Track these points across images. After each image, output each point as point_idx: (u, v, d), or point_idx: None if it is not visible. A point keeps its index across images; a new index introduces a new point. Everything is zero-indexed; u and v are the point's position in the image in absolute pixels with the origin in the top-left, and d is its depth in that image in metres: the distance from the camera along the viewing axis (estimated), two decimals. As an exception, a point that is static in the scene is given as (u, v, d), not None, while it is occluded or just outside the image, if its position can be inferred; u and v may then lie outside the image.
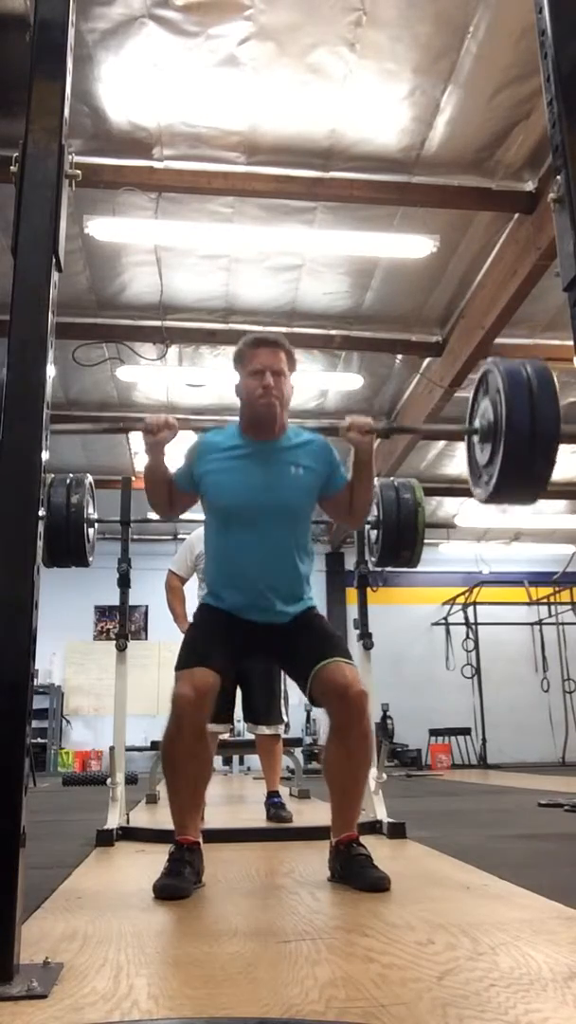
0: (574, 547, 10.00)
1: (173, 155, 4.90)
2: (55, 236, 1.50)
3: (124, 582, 3.47)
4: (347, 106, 4.58)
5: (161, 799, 4.56)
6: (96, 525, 3.17)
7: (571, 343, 1.44)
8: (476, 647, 11.48)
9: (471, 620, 11.64)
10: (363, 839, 2.21)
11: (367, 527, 3.32)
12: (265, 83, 4.43)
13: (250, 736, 4.30)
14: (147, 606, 11.16)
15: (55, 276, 1.50)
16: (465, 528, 11.49)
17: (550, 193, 1.49)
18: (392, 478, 3.07)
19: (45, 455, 1.42)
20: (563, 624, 11.48)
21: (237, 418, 2.47)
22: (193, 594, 3.84)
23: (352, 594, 3.70)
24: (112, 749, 3.32)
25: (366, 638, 3.43)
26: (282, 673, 3.63)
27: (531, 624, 11.83)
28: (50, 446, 1.46)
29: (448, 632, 11.83)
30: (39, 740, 10.59)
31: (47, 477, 1.45)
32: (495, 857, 2.56)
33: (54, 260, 1.49)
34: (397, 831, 3.05)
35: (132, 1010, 1.16)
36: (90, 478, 3.15)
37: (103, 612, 11.77)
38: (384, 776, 3.26)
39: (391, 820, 3.12)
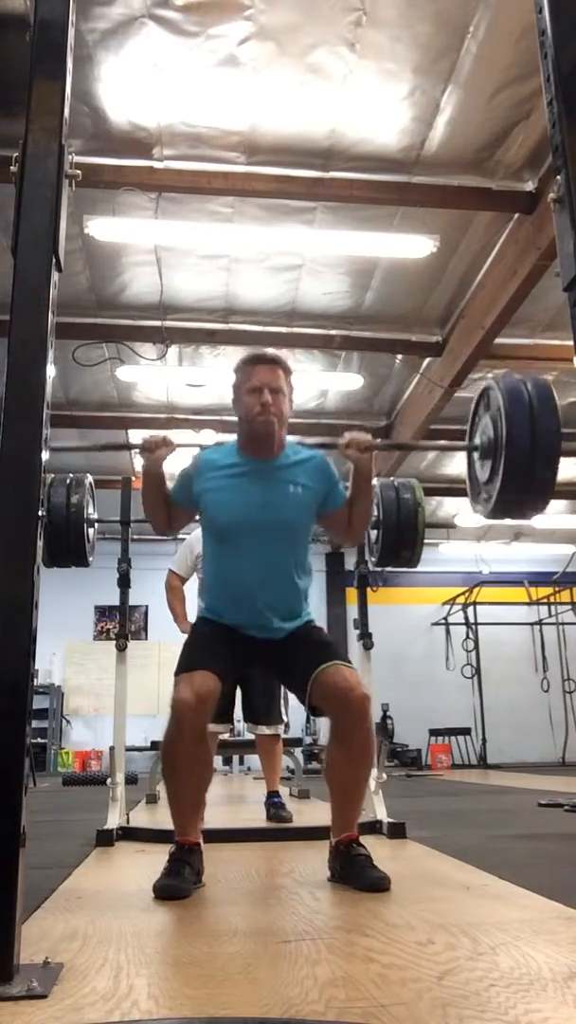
0: (574, 547, 10.00)
1: (173, 155, 4.90)
2: (55, 236, 1.50)
3: (124, 582, 3.46)
4: (347, 106, 4.58)
5: (161, 799, 4.56)
6: (96, 525, 3.17)
7: (571, 343, 1.44)
8: (476, 647, 11.48)
9: (471, 620, 11.64)
10: (363, 839, 2.21)
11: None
12: (265, 83, 4.43)
13: (250, 736, 4.30)
14: (147, 606, 11.16)
15: (55, 276, 1.50)
16: (465, 528, 11.49)
17: (550, 193, 1.49)
18: (392, 478, 3.07)
19: (45, 455, 1.42)
20: (563, 624, 11.48)
21: (235, 436, 2.46)
22: (193, 594, 3.84)
23: (352, 594, 3.70)
24: (112, 749, 3.32)
25: (366, 638, 3.43)
26: None
27: (531, 624, 11.83)
28: (50, 446, 1.46)
29: (448, 632, 11.83)
30: (39, 740, 10.59)
31: (47, 477, 1.45)
32: (495, 857, 2.56)
33: (54, 260, 1.49)
34: (397, 831, 3.05)
35: (132, 1010, 1.16)
36: (90, 478, 3.14)
37: (103, 612, 11.77)
38: (384, 776, 3.26)
39: (391, 820, 3.12)
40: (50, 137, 1.54)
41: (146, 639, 11.43)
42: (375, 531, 3.15)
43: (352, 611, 3.72)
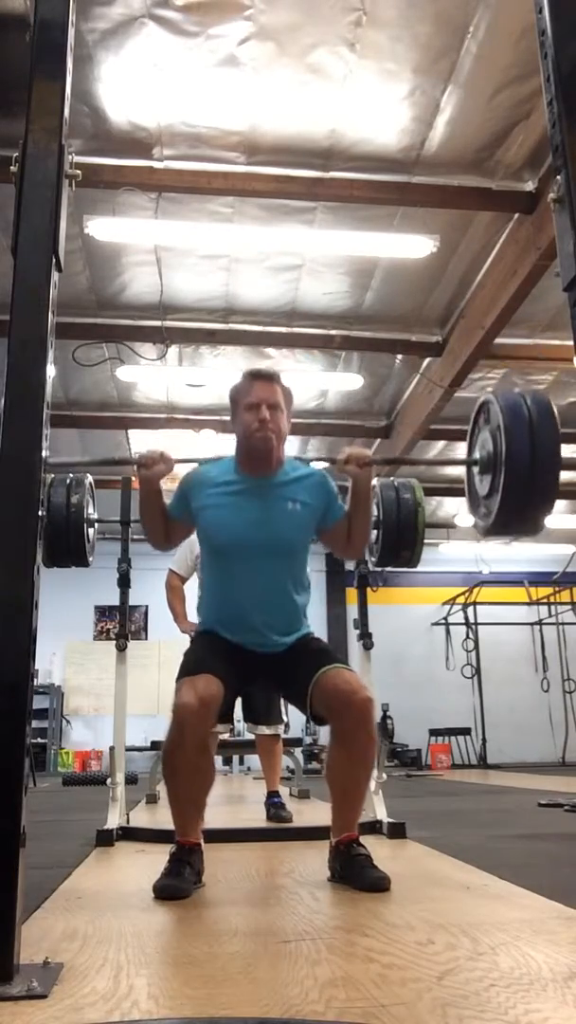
0: (574, 547, 10.00)
1: (173, 155, 4.90)
2: (55, 236, 1.50)
3: (124, 582, 3.46)
4: (347, 106, 4.58)
5: (161, 799, 4.56)
6: (96, 525, 3.16)
7: (571, 343, 1.44)
8: (476, 647, 11.48)
9: (471, 620, 11.64)
10: (363, 839, 2.21)
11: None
12: (265, 83, 4.43)
13: (250, 736, 4.29)
14: (147, 606, 11.17)
15: (55, 276, 1.50)
16: (465, 528, 11.47)
17: (550, 193, 1.49)
18: (392, 478, 3.06)
19: (45, 455, 1.42)
20: (563, 624, 11.49)
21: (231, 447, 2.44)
22: (193, 594, 3.84)
23: (352, 594, 3.70)
24: (112, 749, 3.32)
25: (366, 638, 3.43)
26: None
27: (531, 624, 11.83)
28: (50, 446, 1.46)
29: (448, 632, 11.83)
30: (39, 740, 10.59)
31: (47, 477, 1.45)
32: (495, 857, 2.56)
33: (54, 260, 1.49)
34: (397, 831, 3.05)
35: (132, 1010, 1.16)
36: (90, 478, 3.14)
37: (103, 612, 11.78)
38: (384, 776, 3.26)
39: (391, 820, 3.12)
40: (50, 137, 1.54)
41: (146, 639, 11.44)
42: (375, 531, 3.15)
43: (352, 611, 3.72)
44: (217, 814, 4.15)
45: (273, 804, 3.82)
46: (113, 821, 3.11)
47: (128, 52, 4.23)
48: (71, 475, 3.05)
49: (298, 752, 6.32)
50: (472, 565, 12.23)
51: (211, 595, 2.41)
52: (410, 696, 11.12)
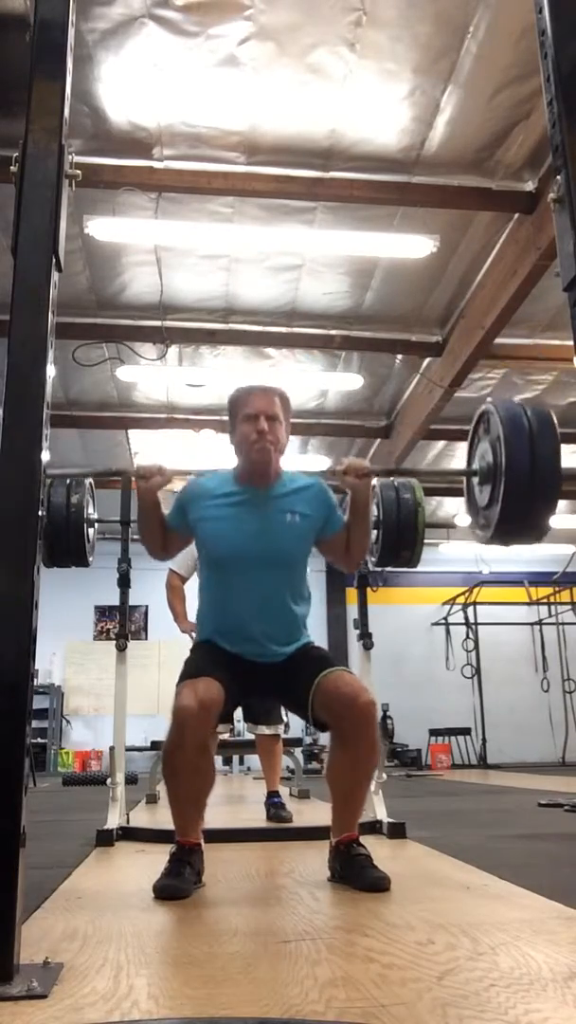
0: (574, 547, 9.99)
1: (173, 155, 4.90)
2: (55, 236, 1.50)
3: (124, 582, 3.46)
4: (347, 106, 4.58)
5: (161, 799, 4.56)
6: (96, 525, 3.16)
7: (571, 343, 1.44)
8: (476, 647, 11.49)
9: (471, 620, 11.64)
10: (363, 839, 2.21)
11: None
12: (265, 83, 4.43)
13: (250, 736, 4.30)
14: (147, 606, 11.17)
15: (55, 276, 1.50)
16: (465, 528, 11.43)
17: (550, 193, 1.49)
18: (392, 478, 3.06)
19: (45, 455, 1.42)
20: (563, 624, 11.49)
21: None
22: (193, 593, 3.83)
23: (352, 594, 3.70)
24: (112, 749, 3.32)
25: (366, 638, 3.43)
26: None
27: (531, 624, 11.84)
28: (50, 446, 1.46)
29: (448, 632, 11.84)
30: (39, 740, 10.60)
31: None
32: (495, 857, 2.56)
33: (54, 260, 1.49)
34: (397, 831, 3.05)
35: (132, 1010, 1.16)
36: (90, 478, 3.14)
37: (103, 612, 11.78)
38: (384, 776, 3.26)
39: (391, 820, 3.12)
40: (50, 137, 1.54)
41: (146, 639, 11.44)
42: (375, 531, 3.15)
43: (352, 611, 3.72)
44: (217, 814, 4.14)
45: (273, 804, 3.82)
46: (113, 821, 3.11)
47: (128, 52, 4.23)
48: (71, 474, 3.05)
49: (298, 752, 6.32)
50: (472, 565, 12.22)
51: (210, 606, 2.39)
52: (410, 696, 11.12)
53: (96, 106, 4.54)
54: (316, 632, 2.48)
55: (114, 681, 3.41)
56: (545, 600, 11.47)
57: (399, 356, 7.24)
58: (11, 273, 1.47)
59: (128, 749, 3.55)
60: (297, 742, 6.29)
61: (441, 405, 7.35)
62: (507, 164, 5.03)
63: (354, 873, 2.08)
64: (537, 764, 11.00)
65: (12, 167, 1.52)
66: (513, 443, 2.03)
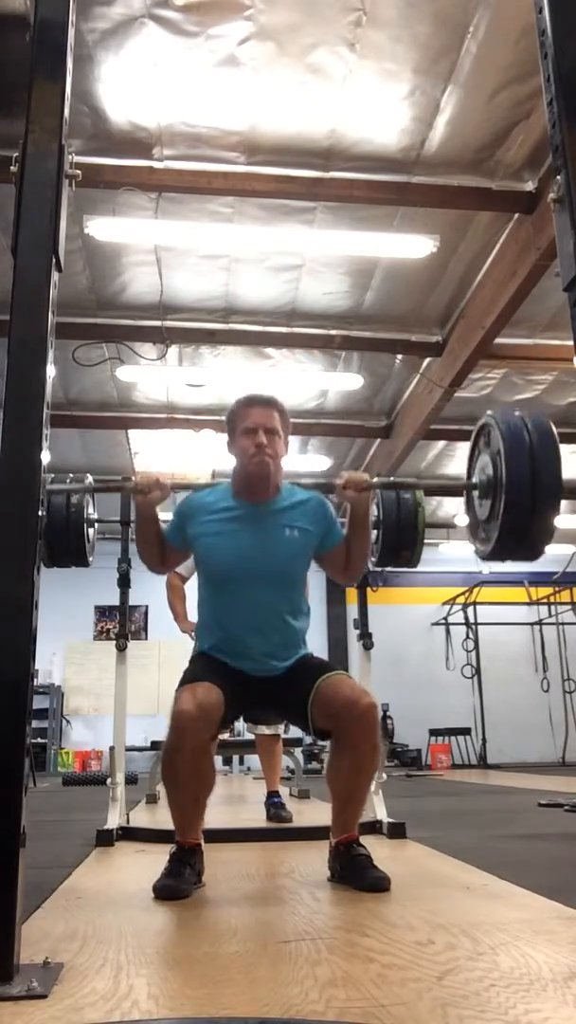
0: (574, 547, 9.99)
1: (173, 155, 4.90)
2: (55, 236, 1.50)
3: (124, 582, 3.46)
4: (347, 106, 4.58)
5: (161, 799, 4.56)
6: (96, 525, 3.16)
7: (571, 343, 1.44)
8: (476, 647, 11.48)
9: (471, 620, 11.64)
10: (363, 839, 2.21)
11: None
12: (265, 83, 4.43)
13: (250, 736, 4.30)
14: (147, 606, 11.17)
15: (55, 276, 1.50)
16: (465, 528, 11.49)
17: (550, 193, 1.49)
18: (392, 478, 3.06)
19: (45, 455, 1.42)
20: (563, 624, 11.48)
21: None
22: (194, 593, 3.83)
23: (352, 594, 3.70)
24: (112, 749, 3.32)
25: (366, 638, 3.43)
26: None
27: (531, 624, 11.83)
28: (50, 446, 1.46)
29: (448, 632, 11.83)
30: (39, 740, 10.59)
31: (47, 477, 1.45)
32: (495, 857, 2.56)
33: (54, 260, 1.49)
34: (397, 831, 3.05)
35: (132, 1010, 1.16)
36: (90, 478, 3.14)
37: (103, 612, 11.78)
38: (384, 776, 3.26)
39: (391, 820, 3.12)
40: (50, 137, 1.54)
41: (146, 639, 11.44)
42: (375, 531, 3.15)
43: (352, 611, 3.72)
44: (217, 814, 4.14)
45: (273, 804, 3.82)
46: (113, 821, 3.11)
47: (128, 52, 4.23)
48: (71, 475, 3.05)
49: (298, 752, 6.32)
50: (472, 565, 12.17)
51: (209, 621, 2.36)
52: (410, 696, 11.12)
53: (96, 106, 4.54)
54: (316, 632, 2.48)
55: (114, 681, 3.41)
56: (545, 600, 11.47)
57: (399, 356, 7.25)
58: (11, 273, 1.47)
59: (128, 749, 3.55)
60: (297, 742, 6.29)
61: (441, 405, 7.35)
62: (507, 164, 5.04)
63: (354, 873, 2.08)
64: (537, 764, 10.99)
65: (12, 167, 1.52)
66: (514, 458, 2.00)
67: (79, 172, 1.59)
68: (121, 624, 3.45)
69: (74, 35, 1.64)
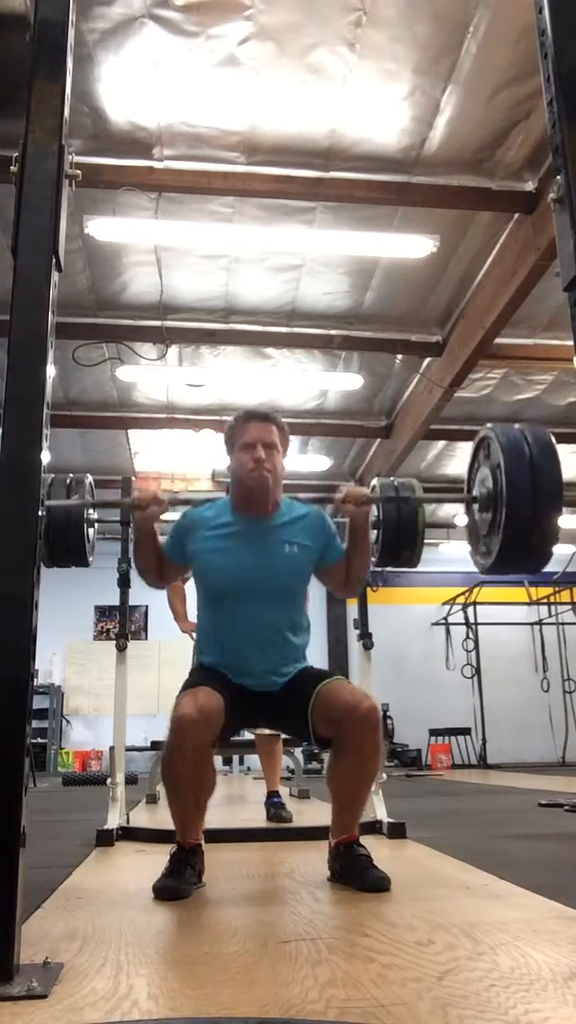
0: (574, 547, 9.99)
1: (173, 155, 4.90)
2: (55, 236, 1.50)
3: (124, 582, 3.46)
4: (347, 106, 4.58)
5: (161, 799, 4.56)
6: (96, 525, 3.16)
7: (571, 343, 1.44)
8: (476, 647, 11.48)
9: (471, 620, 11.64)
10: (363, 839, 2.21)
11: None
12: (265, 83, 4.43)
13: (250, 736, 4.29)
14: (147, 606, 11.17)
15: (55, 276, 1.50)
16: (465, 528, 11.48)
17: (550, 193, 1.49)
18: (392, 478, 3.06)
19: (45, 455, 1.42)
20: (563, 624, 11.48)
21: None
22: (194, 593, 3.84)
23: (352, 594, 3.69)
24: (112, 749, 3.32)
25: (366, 638, 3.43)
26: None
27: (531, 624, 11.83)
28: (50, 446, 1.46)
29: (448, 632, 11.83)
30: (39, 740, 10.59)
31: (47, 477, 1.45)
32: (495, 857, 2.56)
33: (54, 260, 1.49)
34: (397, 831, 3.05)
35: (132, 1010, 1.16)
36: (90, 478, 3.14)
37: (103, 612, 11.78)
38: (384, 776, 3.26)
39: (391, 820, 3.12)
40: (50, 137, 1.54)
41: (146, 639, 11.44)
42: (375, 531, 3.15)
43: (352, 611, 3.72)
44: (217, 814, 4.14)
45: (273, 804, 3.82)
46: (113, 821, 3.11)
47: (128, 52, 4.23)
48: (71, 475, 3.05)
49: (298, 752, 6.32)
50: (472, 565, 12.17)
51: (208, 637, 2.35)
52: (410, 696, 11.12)
53: (96, 106, 4.54)
54: (317, 632, 2.48)
55: (114, 681, 3.41)
56: (545, 600, 11.47)
57: (399, 356, 7.25)
58: (11, 273, 1.47)
59: (128, 749, 3.54)
60: (297, 742, 6.29)
61: (441, 405, 7.35)
62: (507, 164, 5.03)
63: (354, 873, 2.07)
64: (537, 764, 10.99)
65: (12, 167, 1.52)
66: (514, 471, 1.99)
67: (79, 172, 1.59)
68: (121, 624, 3.45)
69: (74, 35, 1.64)
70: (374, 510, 3.02)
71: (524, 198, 5.24)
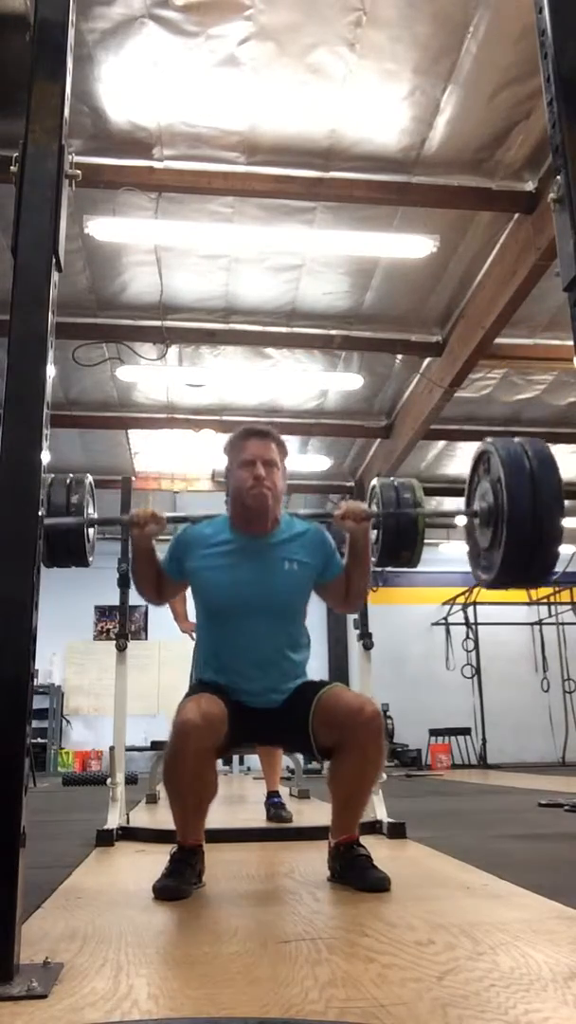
0: (574, 547, 9.99)
1: (173, 155, 4.90)
2: (55, 236, 1.50)
3: (124, 582, 3.46)
4: (347, 106, 4.58)
5: (161, 799, 4.56)
6: (96, 525, 3.16)
7: (571, 343, 1.44)
8: (476, 647, 11.49)
9: (471, 620, 11.64)
10: (363, 839, 2.20)
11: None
12: (265, 83, 4.43)
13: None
14: (147, 606, 11.12)
15: (55, 276, 1.50)
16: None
17: (550, 193, 1.49)
18: (392, 478, 3.06)
19: (45, 455, 1.42)
20: (563, 624, 11.49)
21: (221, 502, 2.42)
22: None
23: (352, 594, 3.69)
24: (112, 749, 3.32)
25: (366, 638, 3.43)
26: None
27: (531, 624, 11.83)
28: (50, 446, 1.46)
29: (448, 632, 11.83)
30: (39, 740, 10.59)
31: (47, 477, 1.45)
32: (495, 857, 2.56)
33: (54, 260, 1.49)
34: (397, 831, 3.05)
35: (132, 1010, 1.16)
36: (90, 478, 3.13)
37: (103, 612, 11.78)
38: (384, 776, 3.25)
39: (391, 820, 3.12)
40: (50, 137, 1.54)
41: (146, 639, 11.44)
42: (375, 531, 3.14)
43: (352, 611, 3.72)
44: (217, 814, 4.13)
45: (273, 804, 3.82)
46: (113, 821, 3.11)
47: (128, 52, 4.23)
48: (71, 475, 3.05)
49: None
50: (472, 565, 12.21)
51: (207, 654, 2.33)
52: (410, 696, 11.12)
53: (96, 106, 4.54)
54: (316, 632, 2.47)
55: (114, 681, 3.41)
56: (545, 600, 11.47)
57: (399, 356, 7.25)
58: (11, 273, 1.47)
59: (128, 749, 3.55)
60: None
61: (441, 405, 7.35)
62: (507, 164, 5.03)
63: (354, 873, 2.07)
64: (537, 764, 11.00)
65: (12, 167, 1.52)
66: (514, 486, 1.98)
67: (79, 172, 1.59)
68: (121, 624, 3.46)
69: (74, 35, 1.64)
70: (373, 509, 3.02)
71: (524, 198, 5.24)
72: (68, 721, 11.59)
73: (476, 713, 11.37)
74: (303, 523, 2.41)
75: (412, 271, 6.03)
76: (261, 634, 2.24)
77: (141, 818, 3.98)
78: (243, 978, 1.31)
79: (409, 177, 5.09)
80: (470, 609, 11.65)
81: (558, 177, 1.47)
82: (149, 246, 5.73)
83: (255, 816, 3.99)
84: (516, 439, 2.09)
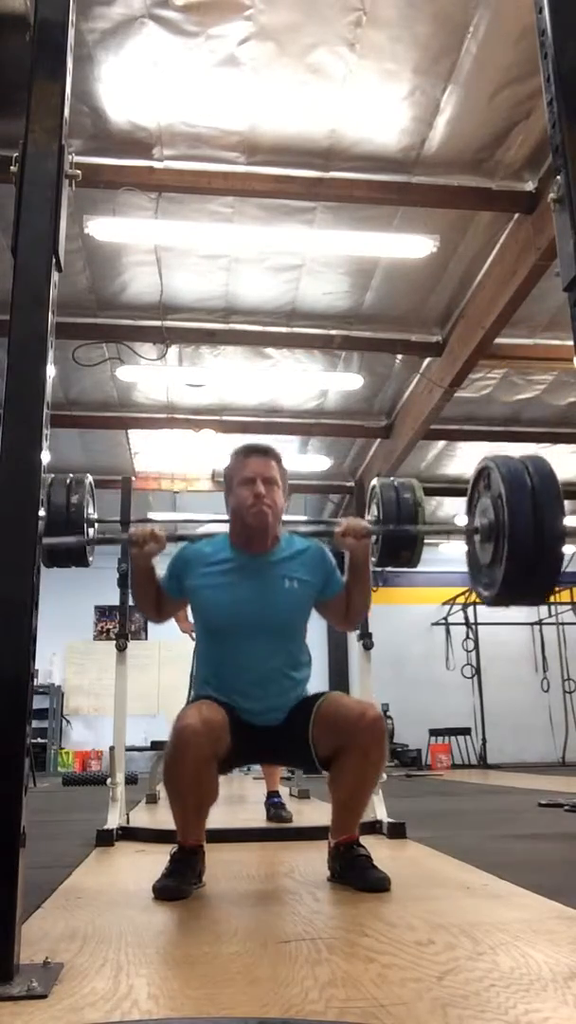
0: (574, 547, 10.01)
1: (173, 155, 4.90)
2: (55, 236, 1.50)
3: (124, 582, 3.46)
4: (347, 106, 4.58)
5: (161, 799, 4.56)
6: (96, 525, 3.16)
7: (571, 343, 1.44)
8: (476, 647, 11.48)
9: (471, 620, 11.64)
10: (363, 839, 2.20)
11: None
12: (265, 83, 4.43)
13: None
14: (147, 606, 11.16)
15: (55, 276, 1.50)
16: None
17: (550, 193, 1.49)
18: (392, 478, 3.06)
19: (45, 455, 1.42)
20: (563, 624, 11.48)
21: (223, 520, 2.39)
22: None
23: (352, 594, 3.69)
24: (112, 749, 3.32)
25: (366, 638, 3.43)
26: None
27: (531, 624, 11.83)
28: (50, 446, 1.46)
29: (448, 632, 11.83)
30: (39, 740, 10.59)
31: (47, 477, 1.45)
32: (495, 857, 2.56)
33: (54, 260, 1.49)
34: (397, 831, 3.05)
35: (132, 1010, 1.16)
36: (90, 478, 3.13)
37: (103, 612, 11.78)
38: (384, 776, 3.25)
39: (391, 820, 3.12)
40: (50, 137, 1.54)
41: (146, 639, 11.42)
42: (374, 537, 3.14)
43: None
44: (217, 814, 4.12)
45: (273, 804, 3.82)
46: (113, 821, 3.11)
47: (128, 52, 4.23)
48: (71, 475, 3.04)
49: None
50: (472, 565, 12.20)
51: (207, 673, 2.32)
52: (410, 696, 11.11)
53: (96, 106, 4.54)
54: (316, 632, 2.46)
55: (114, 681, 3.41)
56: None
57: (399, 356, 7.25)
58: (11, 273, 1.47)
59: (128, 749, 3.55)
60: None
61: (441, 405, 7.35)
62: (507, 164, 5.03)
63: (354, 873, 2.07)
64: (537, 764, 11.00)
65: (12, 167, 1.52)
66: (515, 503, 1.97)
67: (79, 172, 1.59)
68: (121, 624, 3.46)
69: (74, 35, 1.64)
70: (374, 509, 3.01)
71: (524, 198, 5.25)
72: (68, 721, 11.59)
73: (476, 713, 11.37)
74: (303, 541, 2.40)
75: (412, 271, 6.03)
76: (261, 653, 2.23)
77: (141, 818, 3.98)
78: (243, 978, 1.31)
79: (409, 177, 5.09)
80: (470, 609, 11.65)
81: (558, 177, 1.47)
82: (149, 246, 5.73)
83: (255, 816, 3.99)
84: (517, 456, 2.07)
